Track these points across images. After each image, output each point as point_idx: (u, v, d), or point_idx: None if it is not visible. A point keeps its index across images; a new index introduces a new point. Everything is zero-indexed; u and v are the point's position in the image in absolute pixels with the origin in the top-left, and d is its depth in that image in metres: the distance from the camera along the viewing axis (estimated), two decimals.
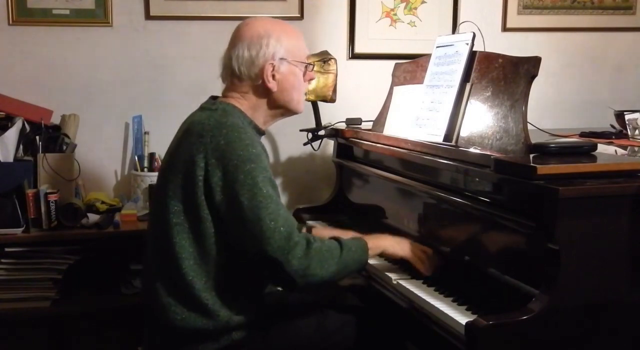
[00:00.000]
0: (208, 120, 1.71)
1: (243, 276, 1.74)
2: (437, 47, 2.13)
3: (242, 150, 1.65)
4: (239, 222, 1.65)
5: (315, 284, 1.69)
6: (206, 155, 1.66)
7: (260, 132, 1.86)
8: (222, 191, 1.65)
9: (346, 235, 2.05)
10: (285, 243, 1.63)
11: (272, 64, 1.78)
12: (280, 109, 1.86)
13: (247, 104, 1.82)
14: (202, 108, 1.83)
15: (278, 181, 3.03)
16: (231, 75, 1.82)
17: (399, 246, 1.91)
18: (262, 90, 1.81)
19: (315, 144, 2.73)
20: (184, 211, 1.70)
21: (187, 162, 1.68)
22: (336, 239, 1.78)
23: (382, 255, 1.93)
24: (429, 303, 1.69)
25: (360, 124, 2.63)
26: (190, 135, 1.72)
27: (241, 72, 1.79)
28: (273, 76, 1.79)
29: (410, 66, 2.35)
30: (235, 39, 1.81)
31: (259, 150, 1.70)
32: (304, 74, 1.86)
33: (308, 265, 1.65)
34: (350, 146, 2.54)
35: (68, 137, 2.64)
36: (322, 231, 2.14)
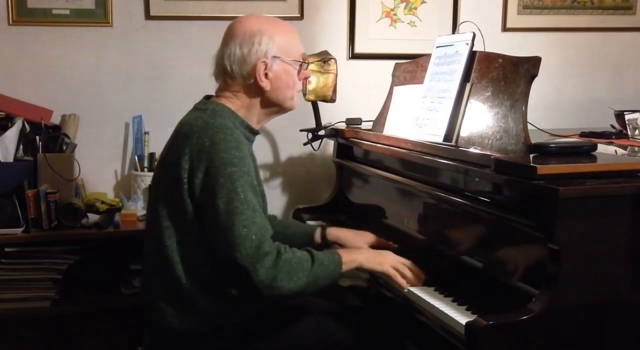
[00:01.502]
0: (196, 121, 1.70)
1: (238, 278, 1.73)
2: (437, 47, 2.13)
3: (225, 152, 1.63)
4: (213, 225, 1.63)
5: (282, 296, 1.65)
6: (191, 157, 1.65)
7: (254, 132, 1.84)
8: (202, 193, 1.64)
9: (362, 237, 2.04)
10: (254, 252, 1.59)
11: (265, 62, 1.75)
12: (274, 107, 1.84)
13: (239, 103, 1.80)
14: (194, 108, 1.82)
15: (278, 181, 3.03)
16: (223, 73, 1.80)
17: (375, 260, 1.82)
18: (255, 89, 1.79)
19: (315, 144, 2.72)
20: (174, 214, 1.69)
21: (174, 163, 1.67)
22: (308, 251, 1.72)
23: (359, 269, 1.84)
24: (429, 303, 1.69)
25: (360, 124, 2.62)
26: (178, 137, 1.71)
27: (233, 71, 1.77)
28: (266, 75, 1.77)
29: (410, 66, 2.35)
30: (228, 37, 1.80)
31: (244, 153, 1.67)
32: (299, 72, 1.84)
33: (275, 276, 1.61)
34: (350, 146, 2.54)
35: (68, 137, 2.64)
36: (337, 231, 2.10)
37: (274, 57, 1.77)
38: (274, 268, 1.61)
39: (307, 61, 1.90)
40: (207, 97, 1.86)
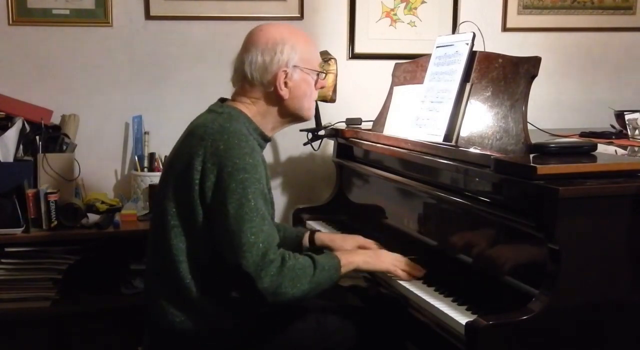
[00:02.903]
0: (212, 124, 1.71)
1: (242, 281, 1.73)
2: (437, 47, 2.13)
3: (239, 158, 1.64)
4: (222, 230, 1.64)
5: (285, 302, 1.67)
6: (204, 159, 1.65)
7: (267, 139, 1.86)
8: (213, 196, 1.64)
9: (352, 240, 2.03)
10: (260, 259, 1.61)
11: (285, 71, 1.77)
12: (290, 116, 1.85)
13: (256, 109, 1.81)
14: (209, 110, 1.82)
15: (278, 181, 3.04)
16: (243, 79, 1.80)
17: (372, 261, 1.85)
18: (274, 97, 1.80)
19: (315, 144, 2.72)
20: (181, 213, 1.70)
21: (186, 164, 1.68)
22: (310, 256, 1.74)
23: (357, 271, 1.87)
24: (429, 303, 1.69)
25: (360, 124, 2.62)
26: (192, 137, 1.71)
27: (253, 78, 1.78)
28: (285, 83, 1.78)
29: (410, 66, 2.35)
30: (249, 44, 1.80)
31: (257, 160, 1.68)
32: (316, 82, 1.85)
33: (280, 283, 1.62)
34: (350, 146, 2.54)
35: (68, 137, 2.64)
36: (326, 237, 2.09)
37: (295, 66, 1.78)
38: (278, 275, 1.62)
39: (324, 71, 1.90)
40: (223, 100, 1.86)
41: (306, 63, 1.80)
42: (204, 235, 1.68)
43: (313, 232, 2.10)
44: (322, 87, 1.93)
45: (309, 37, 1.87)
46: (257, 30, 1.82)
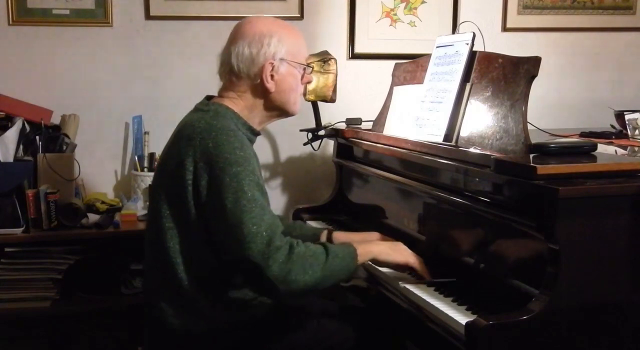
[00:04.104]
0: (199, 123, 1.70)
1: (239, 279, 1.73)
2: (437, 47, 2.13)
3: (229, 153, 1.63)
4: (222, 225, 1.63)
5: (299, 291, 1.64)
6: (195, 159, 1.65)
7: (255, 133, 1.85)
8: (208, 194, 1.64)
9: (370, 237, 2.02)
10: (265, 247, 1.59)
11: (272, 63, 1.76)
12: (277, 110, 1.85)
13: (242, 104, 1.81)
14: (196, 109, 1.81)
15: (278, 181, 3.03)
16: (229, 72, 1.80)
17: (394, 253, 1.83)
18: (260, 90, 1.80)
19: (315, 144, 2.73)
20: (176, 215, 1.69)
21: (177, 165, 1.67)
22: (322, 244, 1.73)
23: (374, 262, 1.85)
24: (429, 303, 1.69)
25: (360, 124, 2.63)
26: (180, 138, 1.71)
27: (240, 70, 1.77)
28: (272, 76, 1.78)
29: (410, 66, 2.35)
30: (236, 36, 1.79)
31: (248, 153, 1.68)
32: (302, 76, 1.85)
33: (290, 270, 1.60)
34: (350, 146, 2.54)
35: (68, 137, 2.64)
36: (344, 236, 2.05)
37: (281, 59, 1.78)
38: (287, 262, 1.60)
39: (311, 66, 1.90)
40: (209, 98, 1.86)
41: (293, 56, 1.80)
42: (199, 235, 1.68)
43: (330, 231, 2.07)
44: (308, 82, 1.92)
45: (297, 31, 1.86)
46: (245, 23, 1.82)
